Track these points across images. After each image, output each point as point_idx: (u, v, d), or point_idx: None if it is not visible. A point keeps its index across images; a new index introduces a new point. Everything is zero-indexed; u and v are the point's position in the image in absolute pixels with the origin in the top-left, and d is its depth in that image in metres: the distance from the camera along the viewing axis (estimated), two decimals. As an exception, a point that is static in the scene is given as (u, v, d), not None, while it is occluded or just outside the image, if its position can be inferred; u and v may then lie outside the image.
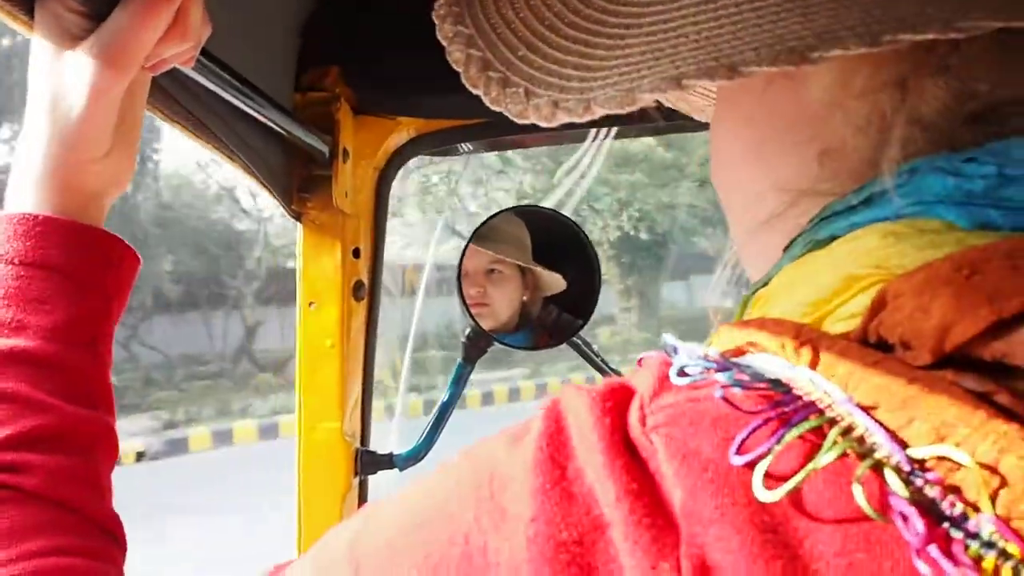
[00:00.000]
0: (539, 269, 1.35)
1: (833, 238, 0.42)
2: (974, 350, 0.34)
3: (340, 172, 1.17)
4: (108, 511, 0.61)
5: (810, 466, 0.33)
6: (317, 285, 1.23)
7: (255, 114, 0.92)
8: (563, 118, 0.44)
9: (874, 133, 0.43)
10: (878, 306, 0.37)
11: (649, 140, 12.36)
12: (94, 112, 0.60)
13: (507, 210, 1.34)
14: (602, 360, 1.42)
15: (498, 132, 1.32)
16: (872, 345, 0.36)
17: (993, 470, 0.31)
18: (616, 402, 0.38)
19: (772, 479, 0.33)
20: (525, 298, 1.37)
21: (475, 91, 0.47)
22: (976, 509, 0.31)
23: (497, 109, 0.46)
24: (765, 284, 0.45)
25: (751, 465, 0.34)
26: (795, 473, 0.33)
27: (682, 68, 0.40)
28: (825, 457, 0.33)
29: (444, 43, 0.48)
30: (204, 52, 0.70)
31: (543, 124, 0.44)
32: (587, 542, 0.34)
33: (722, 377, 0.37)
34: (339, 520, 1.21)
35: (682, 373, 0.38)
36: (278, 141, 1.08)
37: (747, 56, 0.38)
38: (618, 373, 1.43)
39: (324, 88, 1.18)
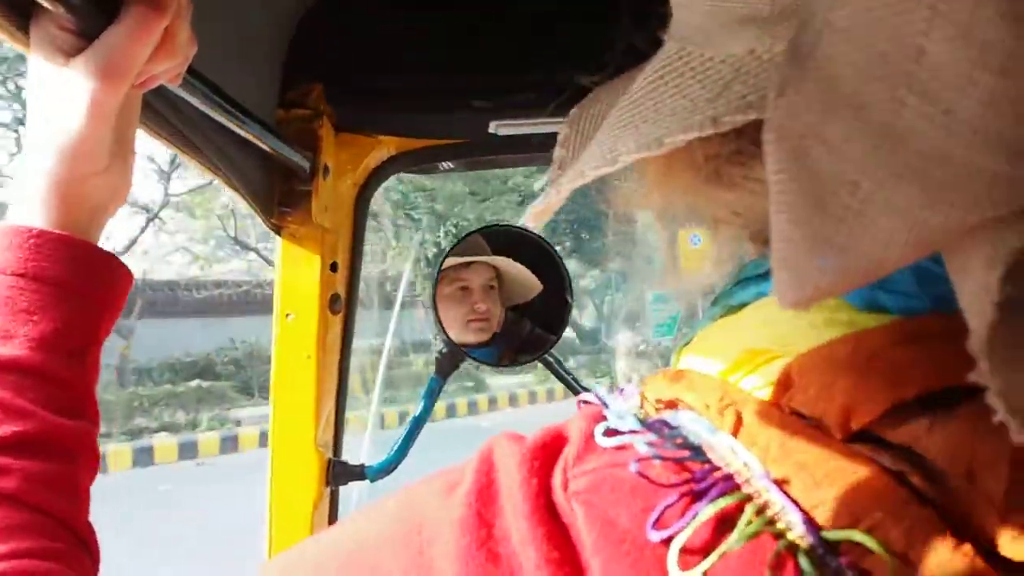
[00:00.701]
0: (521, 275, 1.38)
1: (742, 305, 0.43)
2: (882, 432, 0.35)
3: (320, 188, 1.20)
4: (83, 520, 0.62)
5: (723, 547, 0.33)
6: (295, 297, 1.25)
7: (239, 130, 0.94)
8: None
9: (733, 205, 0.44)
10: (784, 385, 0.38)
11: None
12: (91, 126, 0.62)
13: (476, 231, 1.37)
14: (572, 378, 1.45)
15: (475, 152, 1.35)
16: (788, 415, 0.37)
17: (904, 558, 0.32)
18: (545, 459, 0.39)
19: (688, 555, 0.33)
20: (506, 308, 1.39)
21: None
22: None
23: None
24: (688, 342, 0.46)
25: (667, 540, 0.34)
26: (711, 549, 0.33)
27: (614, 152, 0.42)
28: (738, 541, 0.33)
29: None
30: (190, 69, 0.72)
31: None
32: None
33: (641, 445, 0.37)
34: (309, 529, 1.23)
35: (609, 432, 0.38)
36: (260, 156, 1.10)
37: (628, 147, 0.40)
38: (587, 390, 1.46)
39: (307, 105, 1.20)
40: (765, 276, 0.43)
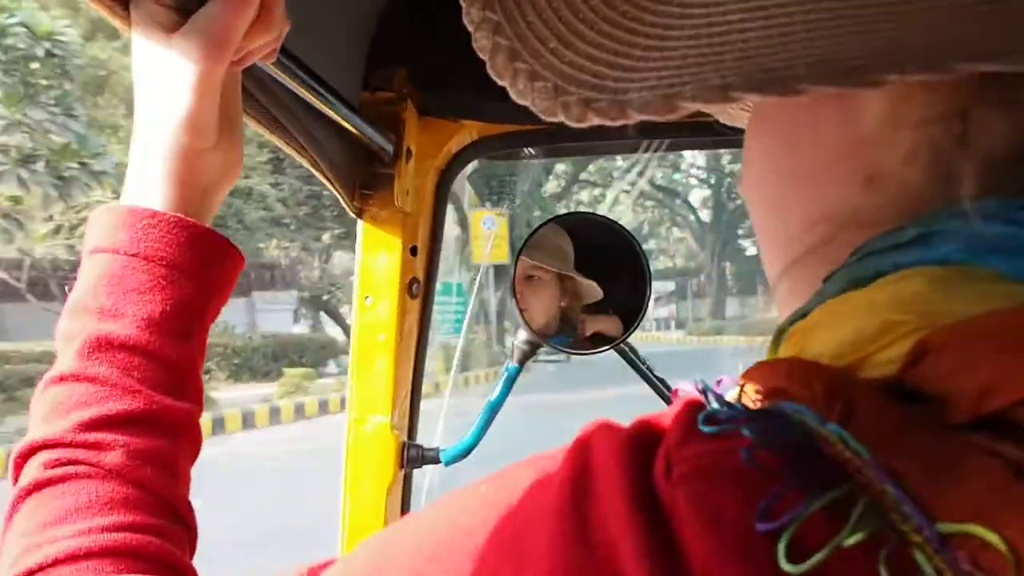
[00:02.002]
0: (578, 278, 1.37)
1: (877, 275, 0.40)
2: (1013, 414, 0.33)
3: (402, 171, 1.20)
4: (183, 497, 0.63)
5: (835, 541, 0.32)
6: (374, 280, 1.26)
7: (325, 110, 0.95)
8: (594, 119, 0.40)
9: (927, 166, 0.41)
10: (916, 356, 0.36)
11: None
12: (198, 100, 0.63)
13: (555, 218, 1.36)
14: (648, 368, 1.43)
15: (560, 139, 1.34)
16: (908, 395, 0.36)
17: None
18: (643, 446, 0.37)
19: (798, 548, 0.32)
20: (563, 304, 1.38)
21: (500, 82, 0.43)
22: None
23: (523, 103, 0.43)
24: (804, 316, 0.43)
25: (776, 531, 0.32)
26: (822, 542, 0.32)
27: (728, 78, 0.37)
28: (851, 534, 0.32)
29: (470, 28, 0.45)
30: (280, 48, 0.73)
31: (572, 123, 0.41)
32: None
33: (748, 432, 0.35)
34: (383, 512, 1.24)
35: (710, 420, 0.36)
36: (344, 138, 1.11)
37: (798, 72, 0.35)
38: (664, 383, 1.44)
39: (391, 88, 1.20)
40: (902, 246, 0.40)
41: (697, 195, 40.99)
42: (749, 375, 0.41)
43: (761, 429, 0.35)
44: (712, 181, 38.17)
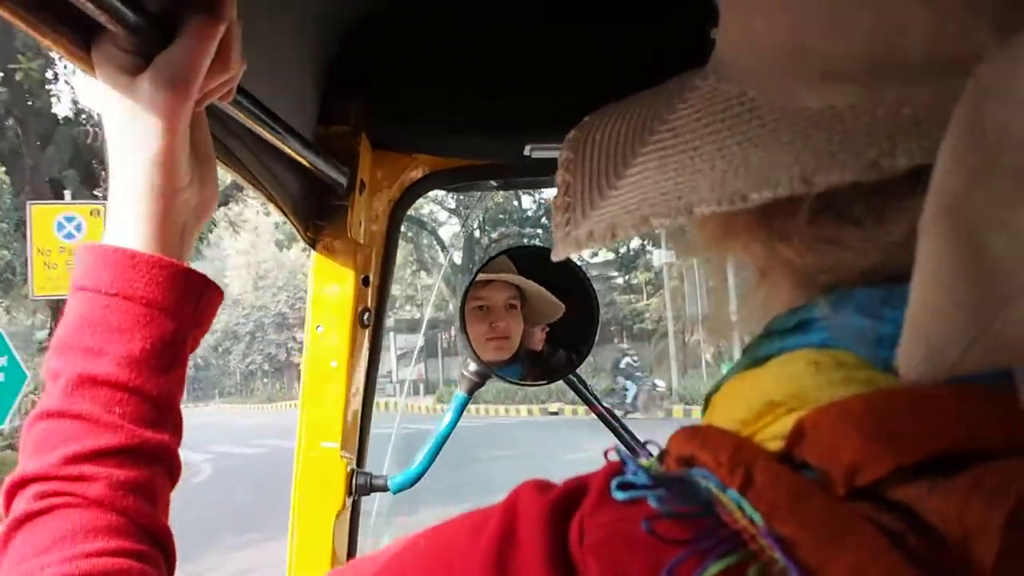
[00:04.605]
0: (542, 296, 1.39)
1: (768, 357, 0.44)
2: (885, 490, 0.36)
3: (356, 203, 1.22)
4: (162, 525, 0.65)
5: None
6: (326, 310, 1.27)
7: (280, 145, 0.97)
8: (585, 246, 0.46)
9: (792, 261, 0.45)
10: (797, 435, 0.39)
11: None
12: (169, 139, 0.65)
13: (504, 251, 1.39)
14: (595, 398, 1.46)
15: (509, 174, 1.37)
16: (799, 466, 0.38)
17: None
18: (566, 511, 0.40)
19: None
20: (513, 332, 1.41)
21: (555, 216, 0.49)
22: None
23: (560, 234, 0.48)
24: (718, 388, 0.47)
25: None
26: None
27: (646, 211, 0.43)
28: None
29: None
30: (236, 87, 0.75)
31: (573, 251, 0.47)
32: None
33: (654, 500, 0.38)
34: (331, 538, 1.25)
35: (624, 487, 0.39)
36: (299, 171, 1.13)
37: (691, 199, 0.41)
38: (611, 413, 1.47)
39: (346, 122, 1.23)
40: (792, 330, 0.44)
41: (447, 231, 32.87)
42: (672, 440, 0.44)
43: (668, 497, 0.38)
44: (462, 212, 28.52)
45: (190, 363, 0.70)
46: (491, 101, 1.28)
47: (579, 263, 1.41)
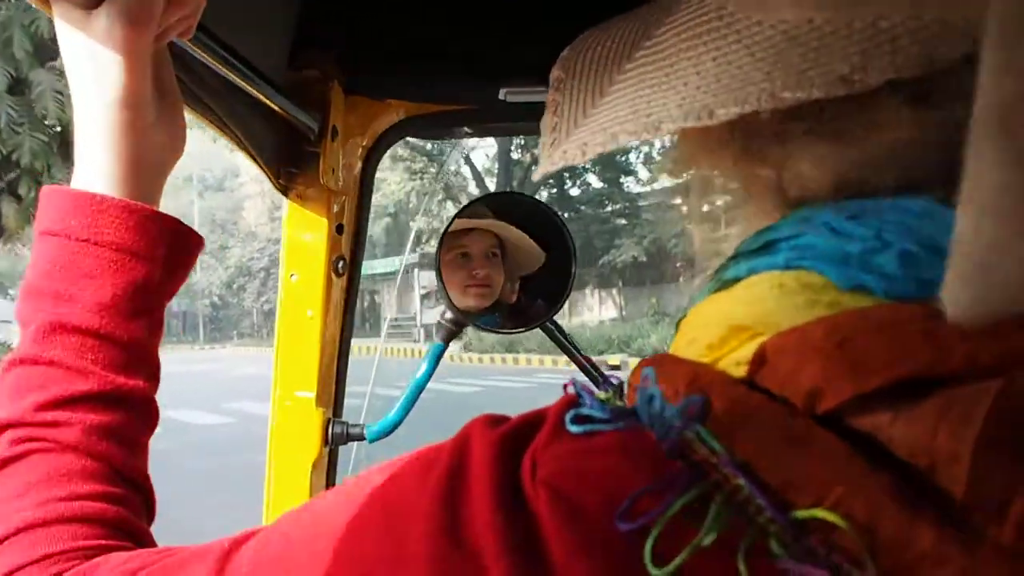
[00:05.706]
0: (523, 243, 1.38)
1: (736, 280, 0.43)
2: (847, 418, 0.35)
3: (328, 150, 1.20)
4: (139, 469, 0.65)
5: (695, 541, 0.33)
6: (300, 258, 1.26)
7: (249, 89, 0.95)
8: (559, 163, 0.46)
9: (769, 179, 0.44)
10: (759, 361, 0.38)
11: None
12: (130, 73, 0.63)
13: (482, 197, 1.38)
14: (574, 346, 1.46)
15: (484, 119, 1.35)
16: (760, 391, 0.37)
17: (869, 529, 0.32)
18: (518, 444, 0.39)
19: (662, 548, 0.33)
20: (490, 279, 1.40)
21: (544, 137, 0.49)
22: (861, 566, 0.32)
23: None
24: (685, 316, 0.46)
25: (637, 531, 0.34)
26: (684, 541, 0.33)
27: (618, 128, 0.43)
28: (709, 533, 0.33)
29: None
30: (201, 27, 0.73)
31: (548, 168, 0.47)
32: None
33: (609, 433, 0.37)
34: (308, 488, 1.25)
35: (579, 420, 0.38)
36: (270, 117, 1.11)
37: (627, 128, 0.42)
38: (589, 361, 1.47)
39: (317, 67, 1.20)
40: (759, 251, 0.43)
41: (479, 156, 31.34)
42: (634, 371, 0.43)
43: (624, 431, 0.37)
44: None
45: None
46: (464, 45, 1.26)
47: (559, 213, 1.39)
